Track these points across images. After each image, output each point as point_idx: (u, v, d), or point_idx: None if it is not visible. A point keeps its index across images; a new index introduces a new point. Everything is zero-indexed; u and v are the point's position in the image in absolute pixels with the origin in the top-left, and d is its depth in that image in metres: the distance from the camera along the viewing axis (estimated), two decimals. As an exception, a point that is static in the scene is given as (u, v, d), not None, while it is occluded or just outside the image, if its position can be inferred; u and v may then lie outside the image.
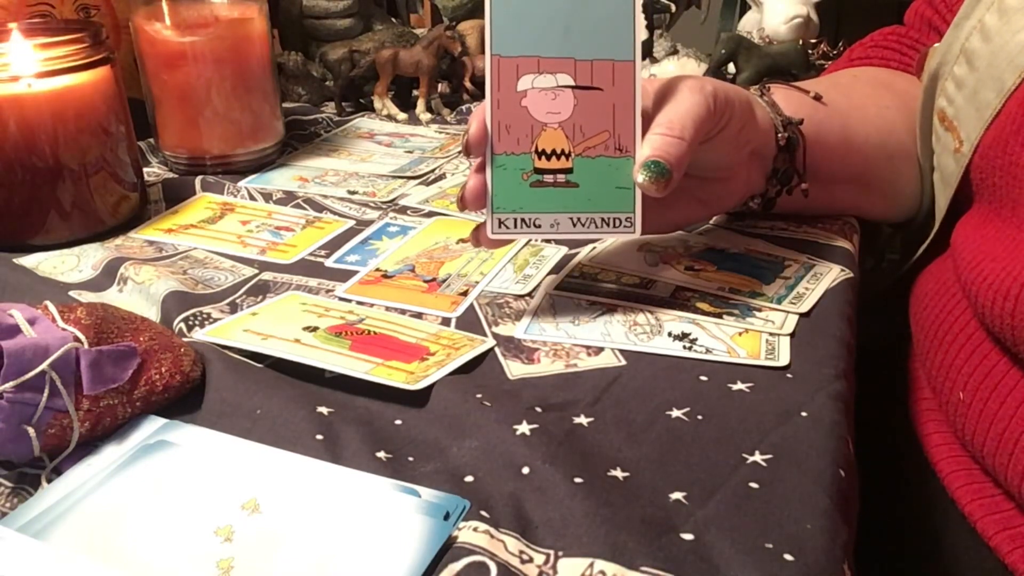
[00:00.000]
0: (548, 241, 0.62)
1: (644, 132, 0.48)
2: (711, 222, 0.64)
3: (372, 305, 0.54)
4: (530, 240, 0.62)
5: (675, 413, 0.43)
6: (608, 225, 0.49)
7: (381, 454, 0.40)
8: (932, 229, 0.63)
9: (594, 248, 0.60)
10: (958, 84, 0.56)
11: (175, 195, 0.71)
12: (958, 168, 0.56)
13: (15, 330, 0.40)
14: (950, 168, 0.58)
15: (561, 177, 0.49)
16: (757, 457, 0.40)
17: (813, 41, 0.95)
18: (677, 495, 0.38)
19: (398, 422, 0.43)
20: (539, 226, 0.49)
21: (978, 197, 0.55)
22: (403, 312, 0.53)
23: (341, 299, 0.55)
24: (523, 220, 0.49)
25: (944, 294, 0.57)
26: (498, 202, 0.48)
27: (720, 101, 0.50)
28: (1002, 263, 0.49)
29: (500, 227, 0.49)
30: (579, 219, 0.49)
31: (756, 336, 0.49)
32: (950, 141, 0.57)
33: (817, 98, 0.60)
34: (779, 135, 0.57)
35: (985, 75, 0.53)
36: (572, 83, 0.48)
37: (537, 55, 0.48)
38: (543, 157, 0.48)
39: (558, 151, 0.48)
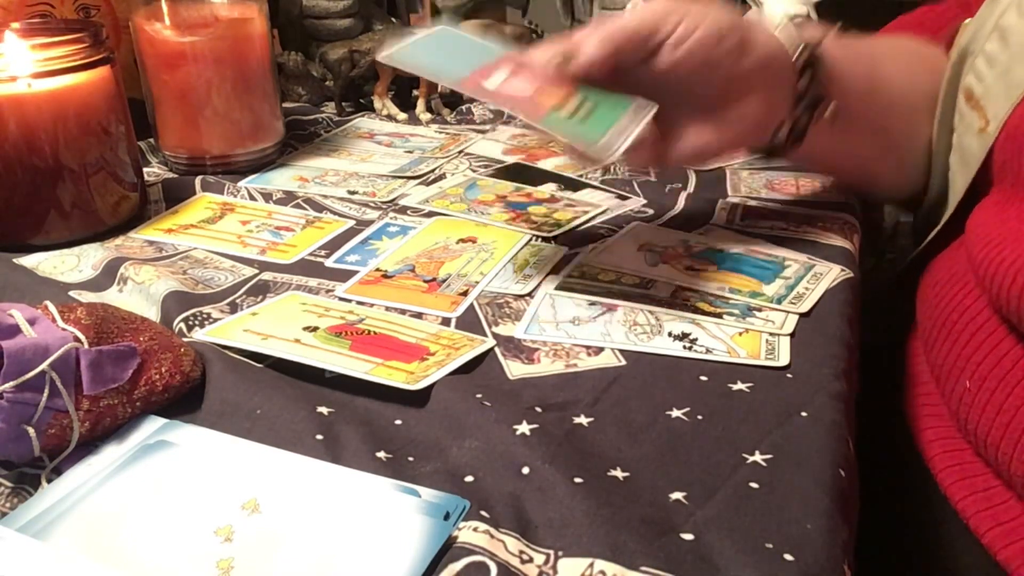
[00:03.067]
0: (548, 241, 0.62)
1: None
2: (713, 223, 0.64)
3: (372, 305, 0.54)
4: (536, 241, 0.62)
5: (675, 413, 0.43)
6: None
7: (381, 454, 0.40)
8: (943, 214, 0.62)
9: (594, 248, 0.60)
10: (989, 61, 0.55)
11: (175, 195, 0.71)
12: (981, 148, 0.55)
13: (15, 330, 0.40)
14: (972, 148, 0.57)
15: (584, 107, 0.50)
16: (757, 457, 0.40)
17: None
18: (677, 495, 0.38)
19: (398, 422, 0.43)
20: (622, 131, 0.49)
21: (999, 179, 0.54)
22: (403, 312, 0.53)
23: (341, 299, 0.55)
24: (616, 132, 0.49)
25: (955, 283, 0.56)
26: (589, 137, 0.49)
27: (677, 15, 0.51)
28: (1022, 245, 0.48)
29: (610, 150, 0.48)
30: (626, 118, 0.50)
31: (756, 336, 0.49)
32: (975, 120, 0.56)
33: (843, 31, 0.60)
34: (796, 56, 0.55)
35: (1019, 52, 0.52)
36: (507, 73, 0.51)
37: (472, 71, 0.51)
38: (559, 109, 0.50)
39: (561, 100, 0.50)
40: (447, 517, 0.35)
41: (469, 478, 0.38)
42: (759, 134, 0.58)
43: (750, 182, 0.73)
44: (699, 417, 0.43)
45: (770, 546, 0.34)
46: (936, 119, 0.62)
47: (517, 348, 0.49)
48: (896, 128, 0.63)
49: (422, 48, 0.54)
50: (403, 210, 0.68)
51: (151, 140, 0.78)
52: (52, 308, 0.43)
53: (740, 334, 0.50)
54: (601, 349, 0.48)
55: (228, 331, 0.49)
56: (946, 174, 0.62)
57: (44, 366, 0.38)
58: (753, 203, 0.68)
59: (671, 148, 0.54)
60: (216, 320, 0.51)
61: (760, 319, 0.51)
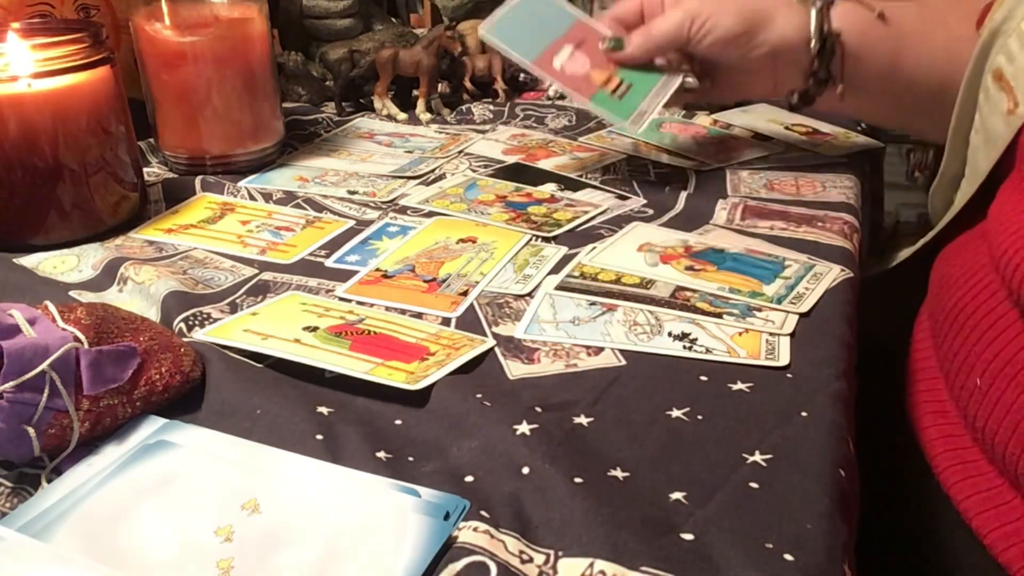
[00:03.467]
0: (548, 241, 0.62)
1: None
2: (713, 223, 0.64)
3: (372, 305, 0.54)
4: (531, 239, 0.62)
5: (675, 413, 0.43)
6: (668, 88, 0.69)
7: (381, 454, 0.40)
8: (959, 196, 0.61)
9: (594, 248, 0.60)
10: (1023, 41, 0.55)
11: (175, 195, 0.71)
12: (1009, 130, 0.54)
13: (15, 330, 0.40)
14: (999, 130, 0.56)
15: (623, 86, 0.69)
16: (757, 457, 0.40)
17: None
18: (677, 495, 0.38)
19: (398, 422, 0.43)
20: (644, 112, 0.67)
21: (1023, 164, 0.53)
22: (403, 312, 0.53)
23: (341, 299, 0.55)
24: (639, 112, 0.68)
25: (971, 278, 0.55)
26: (619, 116, 0.67)
27: (699, 21, 0.66)
28: None
29: (636, 127, 0.67)
30: (651, 96, 0.69)
31: (756, 336, 0.49)
32: (1003, 101, 0.55)
33: (881, 16, 0.65)
34: (812, 43, 0.64)
35: None
36: (572, 49, 0.69)
37: (546, 47, 0.68)
38: (606, 85, 0.68)
39: (607, 79, 0.69)
40: (447, 517, 0.35)
41: (469, 478, 0.38)
42: (768, 96, 0.72)
43: (750, 182, 0.73)
44: (699, 417, 0.43)
45: (770, 546, 0.34)
46: (959, 98, 0.61)
47: (517, 348, 0.49)
48: (921, 100, 0.66)
49: (508, 22, 0.69)
50: (403, 210, 0.68)
51: (151, 140, 0.78)
52: (52, 308, 0.43)
53: (740, 334, 0.50)
54: (601, 349, 0.48)
55: (228, 331, 0.49)
56: (964, 154, 0.62)
57: (44, 366, 0.38)
58: (753, 203, 0.68)
59: (704, 93, 0.72)
60: (216, 320, 0.51)
61: (760, 319, 0.51)
